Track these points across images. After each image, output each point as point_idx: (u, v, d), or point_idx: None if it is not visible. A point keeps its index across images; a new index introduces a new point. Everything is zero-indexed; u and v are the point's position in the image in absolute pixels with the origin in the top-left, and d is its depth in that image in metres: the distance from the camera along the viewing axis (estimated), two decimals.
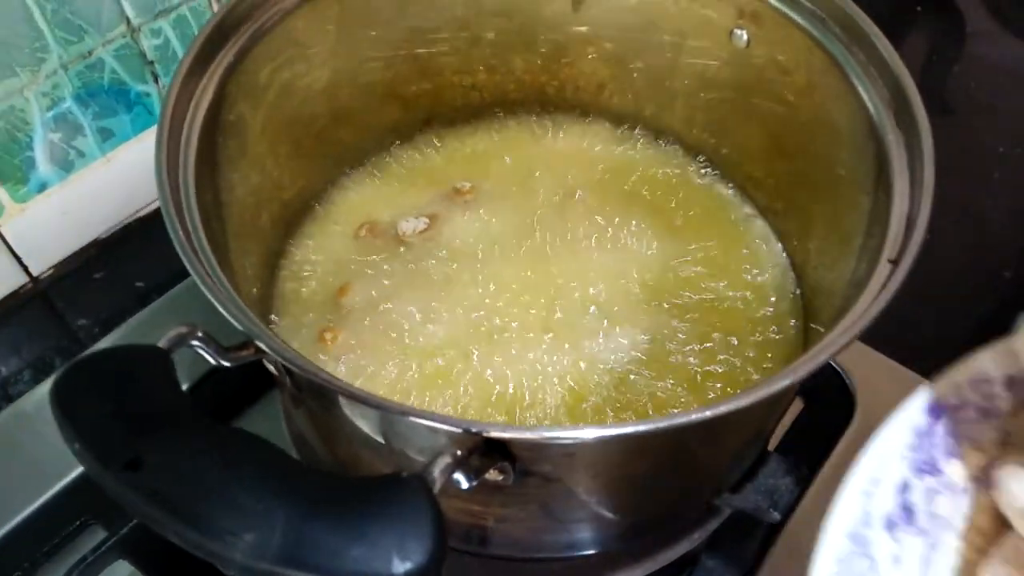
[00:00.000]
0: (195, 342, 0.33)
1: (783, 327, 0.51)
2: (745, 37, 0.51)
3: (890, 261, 0.38)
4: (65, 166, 0.62)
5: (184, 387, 0.35)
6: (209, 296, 0.34)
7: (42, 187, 0.61)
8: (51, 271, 0.65)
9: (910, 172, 0.40)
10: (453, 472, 0.30)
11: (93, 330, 0.64)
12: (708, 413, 0.32)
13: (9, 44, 0.54)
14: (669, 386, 0.47)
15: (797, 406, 0.63)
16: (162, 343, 0.32)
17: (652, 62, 0.56)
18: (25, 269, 0.64)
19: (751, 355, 0.49)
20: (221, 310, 0.34)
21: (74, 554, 0.52)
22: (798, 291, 0.52)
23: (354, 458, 0.45)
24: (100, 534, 0.54)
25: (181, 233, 0.36)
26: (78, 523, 0.55)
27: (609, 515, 0.43)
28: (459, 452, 0.31)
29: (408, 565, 0.26)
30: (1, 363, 0.62)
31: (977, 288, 0.72)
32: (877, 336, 0.64)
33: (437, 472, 0.30)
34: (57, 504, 0.54)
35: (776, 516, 0.47)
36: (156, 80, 0.63)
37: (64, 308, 0.66)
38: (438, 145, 0.59)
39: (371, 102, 0.56)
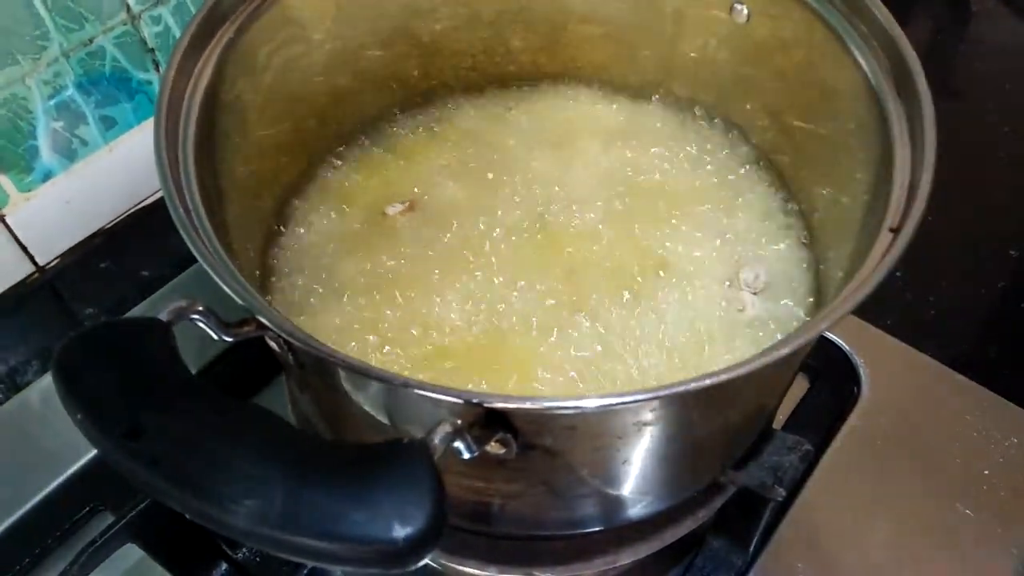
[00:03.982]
0: (195, 316, 0.33)
1: (796, 302, 0.50)
2: (745, 12, 0.51)
3: (891, 230, 0.38)
4: (69, 155, 0.62)
5: None
6: (210, 272, 0.34)
7: (46, 176, 0.61)
8: (57, 260, 0.66)
9: (911, 141, 0.40)
10: (454, 440, 0.30)
11: (99, 319, 0.65)
12: (707, 382, 0.32)
13: (10, 31, 0.54)
14: (675, 363, 0.47)
15: (803, 387, 0.63)
16: (163, 316, 0.32)
17: (652, 40, 0.56)
18: (31, 259, 0.64)
19: (765, 330, 0.49)
20: (222, 285, 0.34)
21: (83, 540, 0.53)
22: (810, 266, 0.52)
23: (359, 440, 0.45)
24: (109, 519, 0.54)
25: (181, 210, 0.36)
26: (87, 509, 0.56)
27: (612, 491, 0.43)
28: (460, 422, 0.31)
29: (408, 530, 0.26)
30: (8, 353, 0.62)
31: (984, 267, 0.72)
32: (883, 316, 0.64)
33: (438, 440, 0.30)
34: (66, 491, 0.55)
35: (781, 493, 0.47)
36: (157, 68, 0.64)
37: (70, 297, 0.66)
38: (437, 123, 0.59)
39: (370, 82, 0.56)
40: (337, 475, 0.27)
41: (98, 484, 0.55)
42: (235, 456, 0.27)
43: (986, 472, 0.57)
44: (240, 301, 0.34)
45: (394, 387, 0.33)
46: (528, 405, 0.33)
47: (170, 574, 0.53)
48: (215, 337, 0.35)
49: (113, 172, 0.65)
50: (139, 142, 0.66)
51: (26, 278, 0.65)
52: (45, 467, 0.55)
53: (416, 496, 0.27)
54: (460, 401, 0.32)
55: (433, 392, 0.32)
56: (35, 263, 0.65)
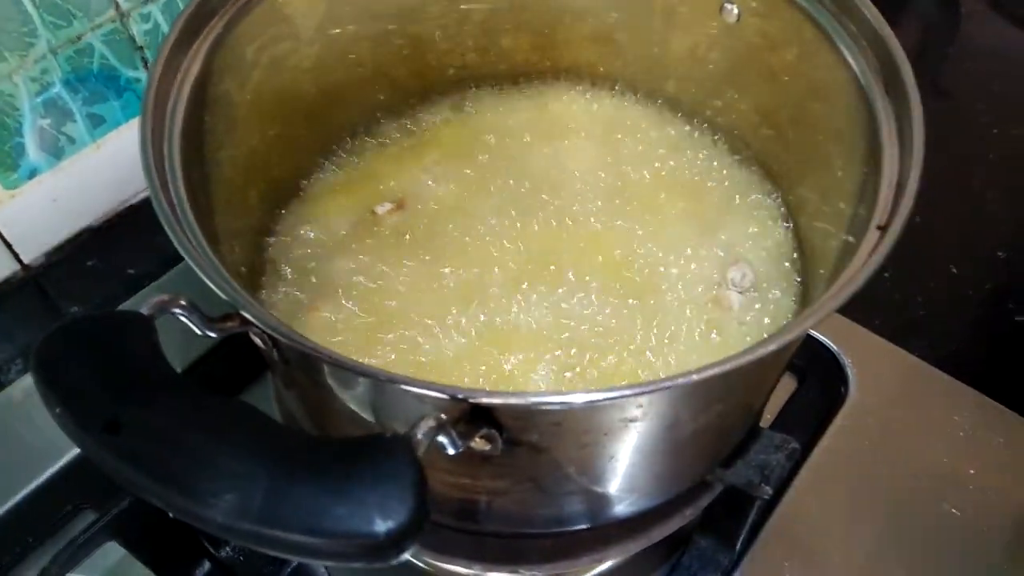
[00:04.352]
0: (178, 310, 0.33)
1: (783, 300, 0.50)
2: (736, 11, 0.51)
3: (878, 228, 0.38)
4: (55, 152, 0.62)
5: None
6: (193, 266, 0.34)
7: (32, 173, 0.61)
8: (43, 258, 0.65)
9: (899, 139, 0.40)
10: (437, 435, 0.30)
11: None
12: (694, 378, 0.32)
13: None
14: (662, 360, 0.47)
15: (791, 386, 0.63)
16: (145, 309, 0.31)
17: (643, 39, 0.56)
18: (16, 257, 0.64)
19: (751, 329, 0.49)
20: (205, 279, 0.33)
21: (66, 538, 0.52)
22: (798, 265, 0.52)
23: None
24: (92, 518, 0.54)
25: (165, 204, 0.36)
26: (70, 508, 0.55)
27: (599, 488, 0.43)
28: (444, 417, 0.31)
29: (390, 524, 0.26)
30: None
31: (972, 268, 0.72)
32: (871, 316, 0.64)
33: (421, 434, 0.29)
34: (49, 489, 0.54)
35: (768, 491, 0.47)
36: (146, 65, 0.63)
37: (56, 295, 0.65)
38: (427, 122, 0.59)
39: (359, 80, 0.55)
40: (320, 469, 0.27)
41: (81, 482, 0.55)
42: (215, 450, 0.27)
43: (972, 472, 0.57)
44: (223, 296, 0.33)
45: (379, 383, 0.33)
46: (514, 401, 0.33)
47: (152, 573, 0.53)
48: (198, 332, 0.35)
49: (100, 170, 0.65)
50: (127, 140, 0.65)
51: (11, 276, 0.64)
52: (28, 465, 0.54)
53: (398, 490, 0.27)
54: (445, 396, 0.31)
55: (418, 387, 0.32)
56: (20, 261, 0.64)
